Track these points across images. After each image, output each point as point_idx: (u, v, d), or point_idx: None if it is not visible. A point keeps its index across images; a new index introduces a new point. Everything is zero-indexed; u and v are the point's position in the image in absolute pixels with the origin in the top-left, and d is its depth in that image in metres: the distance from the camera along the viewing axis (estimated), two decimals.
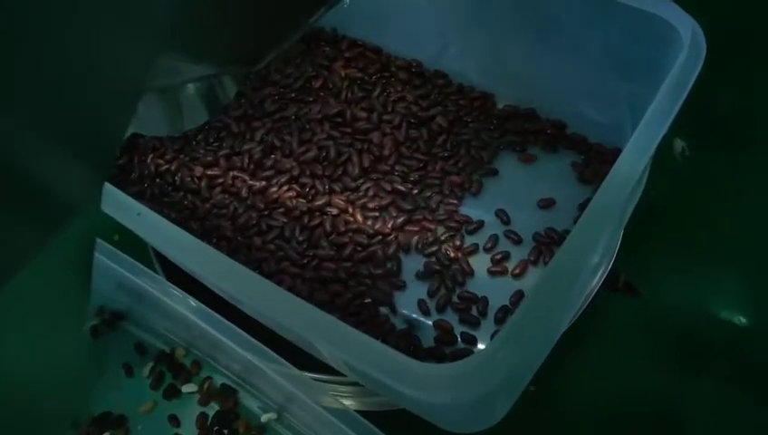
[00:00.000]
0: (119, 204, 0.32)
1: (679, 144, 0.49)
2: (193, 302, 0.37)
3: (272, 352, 0.35)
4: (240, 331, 0.36)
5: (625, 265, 0.44)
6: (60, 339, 0.19)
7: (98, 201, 0.19)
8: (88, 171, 0.17)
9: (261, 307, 0.28)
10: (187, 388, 0.41)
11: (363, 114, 0.46)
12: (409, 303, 0.39)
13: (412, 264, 0.40)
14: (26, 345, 0.18)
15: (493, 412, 0.32)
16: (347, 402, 0.37)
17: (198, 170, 0.44)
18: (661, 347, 0.42)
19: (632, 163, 0.32)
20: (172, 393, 0.41)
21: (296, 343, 0.35)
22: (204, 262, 0.29)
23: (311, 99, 0.47)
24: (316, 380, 0.36)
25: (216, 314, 0.36)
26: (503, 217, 0.41)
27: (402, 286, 0.39)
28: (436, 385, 0.26)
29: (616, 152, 0.40)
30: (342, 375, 0.36)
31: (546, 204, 0.41)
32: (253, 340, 0.35)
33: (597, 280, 0.41)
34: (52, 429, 0.20)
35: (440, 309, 0.38)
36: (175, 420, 0.40)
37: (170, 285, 0.38)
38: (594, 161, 0.43)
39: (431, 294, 0.39)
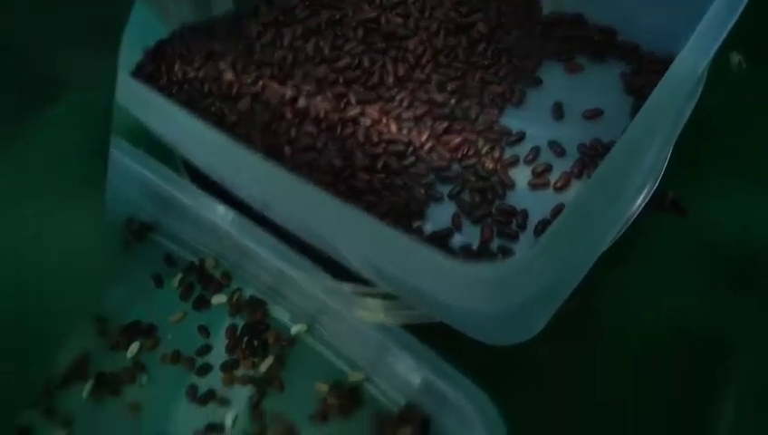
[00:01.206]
0: (142, 100, 0.31)
1: (736, 57, 0.46)
2: (222, 208, 0.36)
3: (303, 260, 0.34)
4: (271, 237, 0.35)
5: (673, 184, 0.41)
6: (77, 217, 0.18)
7: (113, 75, 0.18)
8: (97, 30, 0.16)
9: (281, 201, 0.27)
10: (217, 299, 0.40)
11: (399, 20, 0.43)
12: (445, 215, 0.37)
13: (449, 175, 0.38)
14: (40, 222, 0.17)
15: (530, 324, 0.31)
16: (379, 315, 0.36)
17: (227, 78, 0.42)
18: (708, 268, 0.41)
19: (686, 72, 0.30)
20: (202, 304, 0.40)
21: (326, 251, 0.33)
22: (227, 157, 0.28)
23: (344, 4, 0.45)
24: (347, 291, 0.35)
25: (247, 220, 0.35)
26: (546, 128, 0.39)
27: (438, 199, 0.38)
28: (472, 287, 0.24)
29: (669, 63, 0.37)
30: (374, 286, 0.35)
31: (592, 114, 0.39)
32: (284, 247, 0.34)
33: (643, 197, 0.39)
34: (70, 314, 0.20)
35: (477, 222, 0.36)
36: (204, 331, 0.40)
37: (200, 191, 0.37)
38: (645, 71, 0.40)
39: (468, 206, 0.37)
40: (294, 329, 0.38)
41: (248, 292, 0.40)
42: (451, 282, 0.24)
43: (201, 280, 0.41)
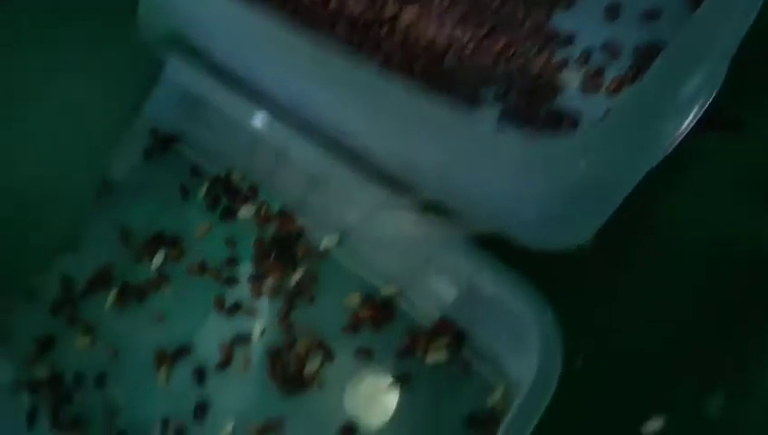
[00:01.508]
0: None
1: None
2: (260, 110, 0.34)
3: (345, 165, 0.32)
4: (310, 141, 0.33)
5: (728, 101, 0.39)
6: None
7: None
8: None
9: (318, 78, 0.25)
10: (244, 211, 0.39)
11: None
12: (490, 122, 0.35)
13: (493, 78, 0.36)
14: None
15: (579, 227, 0.29)
16: (422, 228, 0.34)
17: None
18: (759, 187, 0.38)
19: None
20: (228, 216, 0.39)
21: (361, 151, 0.31)
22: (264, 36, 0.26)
23: None
24: (389, 201, 0.33)
25: (279, 121, 0.33)
26: (599, 29, 0.36)
27: (481, 103, 0.35)
28: (526, 163, 0.22)
29: None
30: (417, 195, 0.33)
31: (651, 14, 0.36)
32: (324, 151, 0.32)
33: (697, 110, 0.37)
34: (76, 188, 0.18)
35: (524, 126, 0.34)
36: (231, 243, 0.38)
37: (236, 94, 0.35)
38: None
39: (515, 111, 0.34)
40: (325, 242, 0.37)
41: (276, 204, 0.38)
42: (504, 157, 0.22)
43: (227, 192, 0.39)
